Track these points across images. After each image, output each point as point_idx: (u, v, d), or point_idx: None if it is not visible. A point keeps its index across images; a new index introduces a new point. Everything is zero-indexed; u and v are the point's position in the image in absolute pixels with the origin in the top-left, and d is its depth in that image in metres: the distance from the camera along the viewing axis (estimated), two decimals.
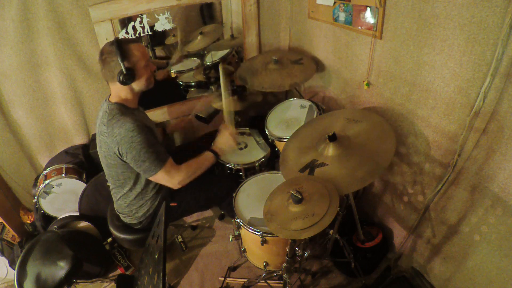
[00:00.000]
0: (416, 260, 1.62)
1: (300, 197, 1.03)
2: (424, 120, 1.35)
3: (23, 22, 1.64)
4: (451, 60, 1.13)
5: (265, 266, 1.43)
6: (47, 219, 1.94)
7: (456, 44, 1.10)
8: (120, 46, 1.27)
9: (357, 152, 1.20)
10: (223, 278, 1.77)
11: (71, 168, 1.91)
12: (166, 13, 1.91)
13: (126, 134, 1.26)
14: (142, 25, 1.88)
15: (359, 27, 1.52)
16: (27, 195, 2.14)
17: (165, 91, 2.26)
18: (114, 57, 1.26)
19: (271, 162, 1.87)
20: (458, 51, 1.10)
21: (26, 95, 1.85)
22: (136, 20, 1.85)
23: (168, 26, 1.95)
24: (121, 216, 1.57)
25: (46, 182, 1.81)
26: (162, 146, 1.42)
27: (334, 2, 1.63)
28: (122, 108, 1.34)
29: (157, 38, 2.04)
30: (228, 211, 1.63)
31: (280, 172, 1.48)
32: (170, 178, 1.41)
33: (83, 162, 2.00)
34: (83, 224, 1.85)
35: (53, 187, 1.85)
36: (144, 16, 1.86)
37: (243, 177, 1.72)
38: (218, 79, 2.18)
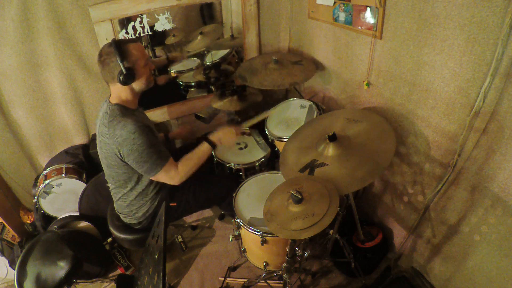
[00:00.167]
0: (416, 260, 1.62)
1: (300, 197, 1.03)
2: (424, 120, 1.35)
3: (23, 22, 1.64)
4: (451, 60, 1.13)
5: (265, 266, 1.43)
6: (47, 219, 1.94)
7: (456, 44, 1.10)
8: (119, 46, 1.27)
9: (357, 152, 1.20)
10: (223, 278, 1.77)
11: (71, 168, 1.91)
12: (166, 13, 1.91)
13: (128, 136, 1.26)
14: (142, 25, 1.88)
15: (359, 27, 1.52)
16: (27, 195, 2.14)
17: (165, 91, 2.26)
18: (113, 58, 1.26)
19: (271, 162, 1.87)
20: (458, 51, 1.10)
21: (26, 95, 1.85)
22: (136, 20, 1.85)
23: (168, 26, 1.95)
24: (121, 216, 1.57)
25: (46, 182, 1.81)
26: (163, 145, 1.42)
27: (334, 2, 1.63)
28: (123, 109, 1.34)
29: (157, 38, 2.04)
30: (228, 210, 1.63)
31: (280, 172, 1.48)
32: (172, 176, 1.41)
33: (83, 162, 2.00)
34: (83, 224, 1.85)
35: (53, 187, 1.85)
36: (144, 16, 1.86)
37: (243, 177, 1.72)
38: (218, 79, 2.19)
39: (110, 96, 1.40)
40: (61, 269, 1.40)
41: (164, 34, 2.01)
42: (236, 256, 1.90)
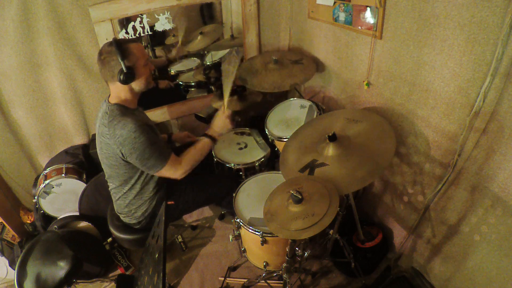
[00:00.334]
0: (416, 260, 1.62)
1: (300, 197, 1.03)
2: (424, 120, 1.35)
3: (23, 22, 1.64)
4: (451, 60, 1.13)
5: (265, 266, 1.43)
6: (47, 219, 1.94)
7: (456, 44, 1.10)
8: (120, 45, 1.27)
9: (357, 152, 1.20)
10: (223, 278, 1.77)
11: (71, 168, 1.91)
12: (166, 13, 1.91)
13: (129, 135, 1.26)
14: (142, 25, 1.88)
15: (359, 27, 1.52)
16: (27, 195, 2.14)
17: (165, 91, 2.26)
18: (113, 56, 1.26)
19: (271, 162, 1.87)
20: (458, 51, 1.10)
21: (26, 95, 1.85)
22: (136, 20, 1.86)
23: (168, 26, 1.95)
24: (121, 216, 1.57)
25: (46, 182, 1.81)
26: (163, 141, 1.42)
27: (334, 2, 1.63)
28: (122, 109, 1.34)
29: (157, 38, 2.04)
30: (229, 208, 1.63)
31: (280, 172, 1.48)
32: (175, 170, 1.42)
33: (83, 162, 2.00)
34: (83, 224, 1.85)
35: (53, 187, 1.85)
36: (144, 16, 1.86)
37: (243, 177, 1.72)
38: (218, 79, 2.19)
39: (109, 96, 1.40)
40: (61, 269, 1.40)
41: (164, 34, 2.01)
42: (236, 256, 1.90)
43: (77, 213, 1.90)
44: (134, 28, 1.87)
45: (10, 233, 1.96)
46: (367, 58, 1.54)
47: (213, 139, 1.57)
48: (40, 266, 1.41)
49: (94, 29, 1.77)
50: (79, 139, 2.13)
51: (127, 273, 1.89)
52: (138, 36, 1.90)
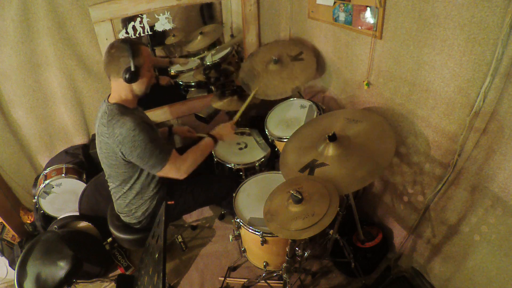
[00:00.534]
0: (416, 260, 1.62)
1: (300, 197, 1.03)
2: (424, 120, 1.35)
3: (23, 22, 1.64)
4: (451, 60, 1.13)
5: (265, 266, 1.43)
6: (47, 219, 1.94)
7: (456, 44, 1.10)
8: (133, 45, 1.29)
9: (357, 152, 1.20)
10: (223, 278, 1.77)
11: (71, 168, 1.91)
12: (166, 13, 1.91)
13: (128, 134, 1.26)
14: (142, 25, 1.88)
15: (359, 27, 1.52)
16: (27, 195, 2.14)
17: (165, 91, 2.26)
18: (124, 53, 1.27)
19: (271, 162, 1.87)
20: (458, 51, 1.10)
21: (26, 95, 1.85)
22: (136, 20, 1.86)
23: (168, 26, 1.95)
24: (121, 216, 1.57)
25: (46, 182, 1.81)
26: (164, 140, 1.42)
27: (334, 2, 1.63)
28: (122, 108, 1.34)
29: (157, 38, 2.04)
30: (229, 209, 1.63)
31: (280, 172, 1.48)
32: (177, 169, 1.41)
33: (83, 162, 2.00)
34: (83, 224, 1.85)
35: (53, 187, 1.85)
36: (144, 16, 1.86)
37: (243, 177, 1.72)
38: (218, 79, 2.19)
39: (108, 96, 1.40)
40: (61, 269, 1.40)
41: (164, 34, 2.02)
42: (236, 256, 1.90)
43: (77, 213, 1.90)
44: (134, 28, 1.87)
45: (10, 233, 1.96)
46: (367, 58, 1.54)
47: (215, 141, 1.58)
48: (40, 266, 1.41)
49: (94, 29, 1.78)
50: (79, 139, 2.13)
51: (127, 273, 1.89)
52: (138, 36, 1.90)
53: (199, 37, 2.19)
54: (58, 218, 1.88)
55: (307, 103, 1.77)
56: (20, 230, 2.03)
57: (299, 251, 1.25)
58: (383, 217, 1.82)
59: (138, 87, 1.37)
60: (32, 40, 1.71)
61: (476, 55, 1.04)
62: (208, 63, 2.34)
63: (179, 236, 1.97)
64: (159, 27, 1.93)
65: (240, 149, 1.83)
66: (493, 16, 0.96)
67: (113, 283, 1.86)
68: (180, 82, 2.35)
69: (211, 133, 1.60)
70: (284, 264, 1.25)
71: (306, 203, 1.04)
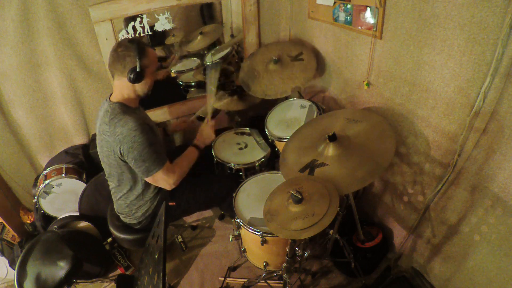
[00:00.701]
0: (416, 260, 1.62)
1: (300, 197, 1.03)
2: (424, 120, 1.35)
3: (23, 22, 1.64)
4: (451, 60, 1.13)
5: (265, 266, 1.43)
6: (47, 219, 1.94)
7: (456, 44, 1.10)
8: (141, 45, 1.29)
9: (357, 152, 1.20)
10: (223, 278, 1.77)
11: (71, 168, 1.91)
12: (166, 13, 1.91)
13: (129, 134, 1.26)
14: (142, 25, 1.88)
15: (359, 27, 1.52)
16: (27, 195, 2.14)
17: (165, 91, 2.26)
18: (131, 53, 1.27)
19: (271, 162, 1.87)
20: (458, 51, 1.10)
21: (26, 95, 1.85)
22: (136, 20, 1.85)
23: (168, 26, 1.95)
24: (121, 216, 1.57)
25: (46, 182, 1.81)
26: (162, 146, 1.42)
27: (334, 2, 1.63)
28: (124, 107, 1.34)
29: (157, 38, 2.04)
30: (229, 211, 1.64)
31: (280, 172, 1.48)
32: (167, 178, 1.42)
33: (83, 162, 2.00)
34: (83, 224, 1.85)
35: (53, 187, 1.85)
36: (144, 16, 1.86)
37: (243, 177, 1.72)
38: (217, 79, 2.19)
39: (110, 95, 1.40)
40: (61, 269, 1.40)
41: (164, 34, 2.01)
42: (236, 256, 1.90)
43: (77, 213, 1.90)
44: (134, 28, 1.87)
45: (10, 233, 1.96)
46: (367, 58, 1.54)
47: (199, 149, 1.62)
48: (40, 266, 1.41)
49: (94, 29, 1.77)
50: (79, 139, 2.13)
51: (127, 273, 1.89)
52: (138, 36, 1.90)
53: (199, 37, 2.19)
54: (58, 218, 1.88)
55: (307, 103, 1.77)
56: (20, 230, 2.03)
57: (299, 251, 1.25)
58: (383, 217, 1.82)
59: (141, 87, 1.37)
60: (32, 40, 1.71)
61: (476, 55, 1.04)
62: (208, 63, 2.34)
63: (179, 236, 1.97)
64: (159, 27, 1.93)
65: (240, 149, 1.82)
66: (493, 16, 0.96)
67: (113, 283, 1.86)
68: (180, 82, 2.35)
69: (194, 142, 1.64)
70: (284, 264, 1.25)
71: (306, 203, 1.04)
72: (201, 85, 2.35)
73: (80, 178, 1.89)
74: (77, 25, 1.75)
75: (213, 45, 2.31)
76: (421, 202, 1.49)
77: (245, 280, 1.73)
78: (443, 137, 1.29)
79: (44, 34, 1.71)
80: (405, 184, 1.57)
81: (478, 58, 1.04)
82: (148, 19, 1.88)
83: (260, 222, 1.34)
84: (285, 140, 1.54)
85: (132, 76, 1.29)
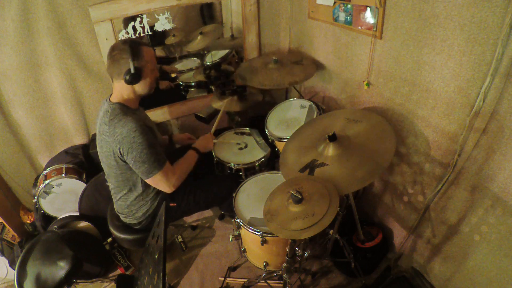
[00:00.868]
0: (416, 260, 1.62)
1: (300, 197, 1.03)
2: (424, 120, 1.35)
3: (23, 22, 1.64)
4: (451, 60, 1.13)
5: (265, 266, 1.43)
6: (47, 219, 1.94)
7: (456, 44, 1.10)
8: (134, 46, 1.29)
9: (357, 152, 1.20)
10: (223, 278, 1.77)
11: (71, 168, 1.91)
12: (166, 13, 1.91)
13: (128, 134, 1.26)
14: (142, 25, 1.88)
15: (359, 27, 1.52)
16: (27, 195, 2.14)
17: (165, 91, 2.26)
18: (124, 55, 1.27)
19: (271, 162, 1.87)
20: (458, 51, 1.10)
21: (26, 95, 1.85)
22: (136, 20, 1.85)
23: (168, 26, 1.95)
24: (121, 216, 1.57)
25: (46, 182, 1.81)
26: (162, 148, 1.42)
27: (334, 2, 1.63)
28: (124, 108, 1.34)
29: (157, 38, 2.04)
30: (229, 211, 1.64)
31: (280, 172, 1.48)
32: (167, 180, 1.41)
33: (83, 162, 2.00)
34: (83, 224, 1.85)
35: (53, 187, 1.85)
36: (144, 16, 1.86)
37: (243, 177, 1.72)
38: (218, 78, 2.19)
39: (110, 95, 1.40)
40: (61, 269, 1.40)
41: (164, 34, 2.01)
42: (236, 256, 1.90)
43: (77, 213, 1.90)
44: (134, 28, 1.87)
45: (10, 233, 1.96)
46: (367, 58, 1.54)
47: (199, 153, 1.63)
48: (40, 266, 1.41)
49: (94, 29, 1.78)
50: (79, 139, 2.13)
51: (127, 273, 1.89)
52: (138, 36, 1.90)
53: (199, 37, 2.19)
54: (58, 218, 1.88)
55: (307, 103, 1.77)
56: (20, 230, 2.03)
57: (299, 251, 1.25)
58: (383, 217, 1.82)
59: (140, 87, 1.37)
60: (32, 40, 1.71)
61: (476, 55, 1.04)
62: (208, 63, 2.34)
63: (179, 236, 1.97)
64: (159, 27, 1.93)
65: (240, 149, 1.82)
66: (493, 16, 0.96)
67: (113, 283, 1.86)
68: (180, 82, 2.35)
69: (194, 145, 1.65)
70: (284, 264, 1.25)
71: (306, 203, 1.04)
72: (201, 85, 2.35)
73: (80, 178, 1.89)
74: (77, 25, 1.75)
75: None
76: (421, 202, 1.49)
77: (245, 280, 1.73)
78: (443, 137, 1.29)
79: (44, 34, 1.71)
80: (405, 184, 1.57)
81: (478, 58, 1.04)
82: (148, 19, 1.88)
83: (260, 222, 1.34)
84: (285, 140, 1.54)
85: (128, 78, 1.29)
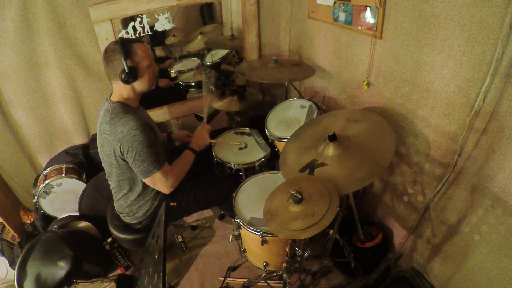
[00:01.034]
0: (416, 260, 1.62)
1: (300, 197, 1.03)
2: (424, 120, 1.35)
3: (23, 22, 1.64)
4: (451, 60, 1.13)
5: (265, 266, 1.43)
6: (47, 219, 1.94)
7: (456, 44, 1.10)
8: (124, 45, 1.28)
9: (357, 152, 1.20)
10: (223, 278, 1.77)
11: (71, 168, 1.91)
12: (166, 13, 1.91)
13: (129, 133, 1.26)
14: (142, 25, 1.88)
15: (359, 27, 1.52)
16: (27, 195, 2.14)
17: (165, 91, 2.26)
18: (117, 56, 1.27)
19: (271, 162, 1.87)
20: (458, 51, 1.10)
21: (26, 95, 1.85)
22: (136, 20, 1.86)
23: (168, 26, 1.95)
24: (121, 216, 1.57)
25: (46, 182, 1.81)
26: (161, 147, 1.42)
27: (334, 2, 1.63)
28: (124, 107, 1.34)
29: (157, 38, 2.05)
30: (229, 211, 1.63)
31: (280, 172, 1.48)
32: (166, 180, 1.41)
33: (83, 162, 2.00)
34: (83, 224, 1.85)
35: (53, 187, 1.85)
36: (144, 16, 1.86)
37: (243, 177, 1.72)
38: (218, 78, 2.19)
39: (111, 95, 1.40)
40: (61, 269, 1.40)
41: (164, 34, 2.02)
42: (236, 256, 1.90)
43: (77, 213, 1.90)
44: (134, 28, 1.87)
45: (10, 233, 1.96)
46: (367, 58, 1.54)
47: (195, 152, 1.61)
48: (40, 266, 1.41)
49: (94, 29, 1.77)
50: (79, 139, 2.13)
51: (127, 273, 1.89)
52: (138, 36, 1.90)
53: (199, 37, 2.19)
54: (58, 218, 1.88)
55: (307, 103, 1.77)
56: (20, 230, 2.03)
57: (299, 251, 1.25)
58: (383, 217, 1.82)
59: (140, 85, 1.37)
60: (32, 40, 1.71)
61: (476, 55, 1.05)
62: (208, 63, 2.34)
63: (179, 236, 1.97)
64: (159, 27, 1.93)
65: (240, 149, 1.82)
66: (493, 16, 0.96)
67: (113, 283, 1.86)
68: (180, 82, 2.35)
69: (189, 146, 1.64)
70: (284, 264, 1.25)
71: (306, 203, 1.04)
72: (201, 85, 2.35)
73: (80, 178, 1.89)
74: (77, 25, 1.75)
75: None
76: (421, 202, 1.49)
77: (245, 280, 1.73)
78: (443, 137, 1.29)
79: (44, 34, 1.71)
80: (405, 184, 1.57)
81: (478, 58, 1.04)
82: (148, 19, 1.88)
83: (260, 222, 1.34)
84: (285, 140, 1.54)
85: (124, 77, 1.29)
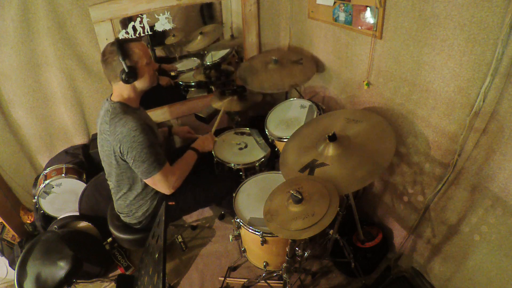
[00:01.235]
0: (416, 260, 1.62)
1: (300, 197, 1.03)
2: (424, 120, 1.35)
3: (23, 22, 1.64)
4: (451, 60, 1.13)
5: (265, 266, 1.43)
6: (47, 219, 1.94)
7: (456, 44, 1.10)
8: (121, 46, 1.28)
9: (357, 152, 1.20)
10: (223, 278, 1.77)
11: (71, 168, 1.91)
12: (166, 13, 1.91)
13: (129, 133, 1.26)
14: (142, 25, 1.88)
15: (359, 27, 1.52)
16: (27, 195, 2.14)
17: (166, 91, 2.26)
18: (115, 57, 1.27)
19: (271, 162, 1.87)
20: (458, 51, 1.10)
21: (26, 95, 1.85)
22: (136, 20, 1.86)
23: (168, 26, 1.95)
24: (121, 216, 1.57)
25: (46, 182, 1.81)
26: (162, 148, 1.42)
27: (334, 2, 1.63)
28: (124, 107, 1.34)
29: (157, 38, 2.05)
30: (229, 208, 1.63)
31: (280, 172, 1.48)
32: (166, 181, 1.41)
33: (83, 162, 2.00)
34: (83, 224, 1.85)
35: (53, 187, 1.85)
36: (144, 16, 1.86)
37: (243, 177, 1.72)
38: (218, 78, 2.19)
39: (111, 95, 1.40)
40: (61, 269, 1.40)
41: (164, 34, 2.02)
42: (236, 256, 1.90)
43: (77, 213, 1.90)
44: (134, 28, 1.87)
45: (10, 233, 1.96)
46: (367, 58, 1.54)
47: (198, 153, 1.62)
48: (40, 266, 1.41)
49: (94, 29, 1.77)
50: (79, 139, 2.13)
51: (127, 273, 1.89)
52: (138, 36, 1.90)
53: (199, 37, 2.19)
54: (58, 218, 1.88)
55: (307, 103, 1.77)
56: (20, 230, 2.03)
57: (299, 251, 1.25)
58: (383, 217, 1.82)
59: (140, 84, 1.37)
60: (32, 40, 1.71)
61: (476, 55, 1.04)
62: (208, 63, 2.34)
63: (179, 236, 1.97)
64: (159, 27, 1.93)
65: (240, 149, 1.82)
66: (493, 16, 0.96)
67: (113, 283, 1.86)
68: (180, 82, 2.35)
69: (193, 146, 1.64)
70: (284, 264, 1.25)
71: (306, 203, 1.04)
72: (201, 85, 2.36)
73: (80, 178, 1.89)
74: (77, 25, 1.75)
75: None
76: (421, 202, 1.49)
77: (245, 280, 1.73)
78: (443, 137, 1.29)
79: (44, 34, 1.71)
80: (405, 184, 1.57)
81: (478, 58, 1.04)
82: (148, 19, 1.88)
83: (260, 222, 1.34)
84: (285, 140, 1.54)
85: (124, 77, 1.29)
